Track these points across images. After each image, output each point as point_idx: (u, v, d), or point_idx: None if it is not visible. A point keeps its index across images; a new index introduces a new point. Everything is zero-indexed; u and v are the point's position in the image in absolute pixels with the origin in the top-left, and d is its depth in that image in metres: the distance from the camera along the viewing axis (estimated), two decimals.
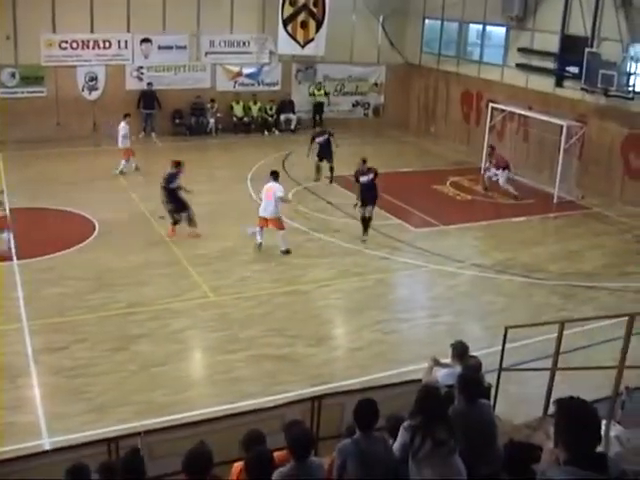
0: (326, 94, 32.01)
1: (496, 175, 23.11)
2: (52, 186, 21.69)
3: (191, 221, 18.24)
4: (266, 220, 17.42)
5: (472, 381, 7.45)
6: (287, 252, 17.46)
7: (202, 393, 11.70)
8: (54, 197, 20.48)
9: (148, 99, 28.50)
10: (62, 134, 27.49)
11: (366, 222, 18.73)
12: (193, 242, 17.86)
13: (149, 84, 28.64)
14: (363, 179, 18.59)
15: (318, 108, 31.93)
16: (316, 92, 31.91)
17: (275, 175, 18.07)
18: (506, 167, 22.99)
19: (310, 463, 6.40)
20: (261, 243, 17.55)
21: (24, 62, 26.81)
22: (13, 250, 16.71)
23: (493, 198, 22.77)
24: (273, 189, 17.45)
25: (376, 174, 18.53)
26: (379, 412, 6.72)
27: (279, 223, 17.57)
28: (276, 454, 6.55)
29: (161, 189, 18.32)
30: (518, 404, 10.95)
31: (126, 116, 24.17)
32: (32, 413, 10.86)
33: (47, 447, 9.55)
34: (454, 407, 7.13)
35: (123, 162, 23.50)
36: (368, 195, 18.50)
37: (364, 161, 18.90)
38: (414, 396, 6.64)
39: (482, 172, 24.13)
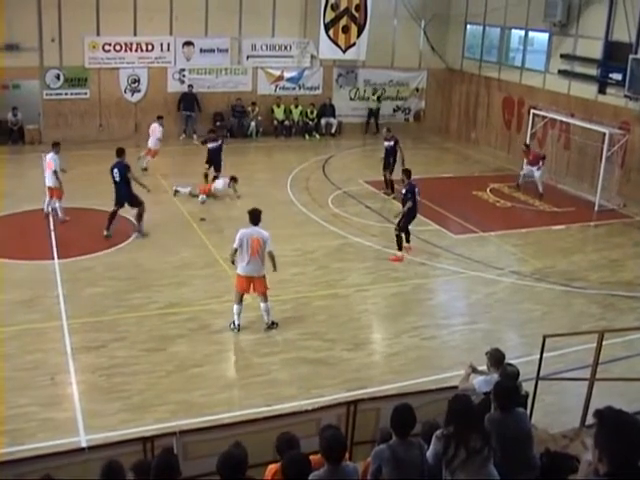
0: (378, 99, 32.03)
1: (531, 171, 23.61)
2: (93, 187, 21.86)
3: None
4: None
5: (508, 390, 7.37)
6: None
7: (238, 395, 11.73)
8: (95, 197, 20.64)
9: (188, 101, 28.69)
10: (104, 135, 27.81)
11: (387, 184, 22.85)
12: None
13: (190, 86, 28.82)
14: (385, 144, 22.78)
15: (371, 113, 32.03)
16: (370, 97, 31.97)
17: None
18: (542, 161, 23.55)
19: (344, 467, 6.39)
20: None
21: (68, 64, 27.13)
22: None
23: (533, 205, 22.59)
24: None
25: (396, 142, 22.52)
26: (416, 418, 6.70)
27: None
28: (312, 457, 6.55)
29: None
30: (555, 414, 10.86)
31: (160, 118, 24.90)
32: (70, 410, 10.99)
33: (83, 444, 9.63)
34: (490, 415, 7.07)
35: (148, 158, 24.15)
36: (388, 159, 22.59)
37: (388, 130, 23.27)
38: None
39: (519, 177, 24.55)
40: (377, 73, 32.02)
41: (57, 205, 19.00)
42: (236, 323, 13.67)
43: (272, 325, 13.83)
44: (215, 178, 22.01)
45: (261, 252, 13.25)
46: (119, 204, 18.21)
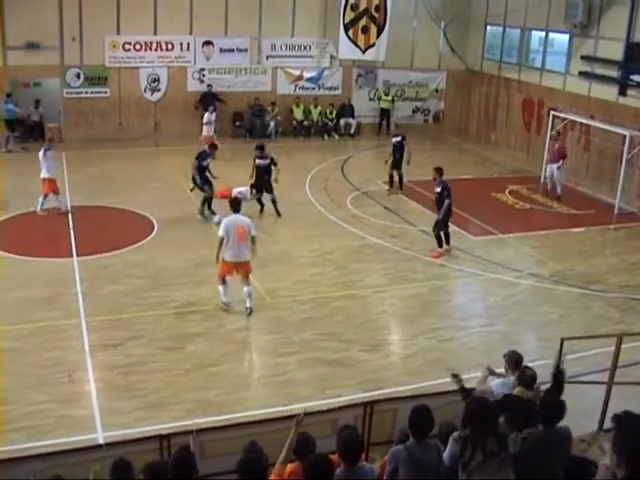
0: (392, 101, 31.95)
1: (552, 171, 23.52)
2: (112, 185, 22.03)
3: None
4: None
5: (554, 405, 7.24)
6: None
7: (255, 394, 11.76)
8: (114, 196, 20.78)
9: (208, 101, 28.69)
10: (124, 134, 27.97)
11: (392, 181, 23.28)
12: None
13: (209, 86, 28.91)
14: (393, 140, 23.15)
15: (384, 114, 31.91)
16: (383, 97, 31.88)
17: None
18: (562, 159, 23.57)
19: (361, 467, 6.40)
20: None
21: (89, 63, 27.29)
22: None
23: (552, 207, 22.49)
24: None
25: (404, 138, 22.81)
26: (434, 420, 6.67)
27: None
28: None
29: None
30: (573, 417, 10.68)
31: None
32: (87, 407, 11.04)
33: (101, 441, 9.66)
34: (531, 431, 6.89)
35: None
36: (395, 155, 22.88)
37: (396, 125, 24.80)
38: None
39: (543, 179, 24.37)
40: (396, 74, 31.97)
41: (40, 198, 19.24)
42: (224, 300, 14.39)
43: (250, 310, 14.34)
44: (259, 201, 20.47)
45: (246, 239, 14.09)
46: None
